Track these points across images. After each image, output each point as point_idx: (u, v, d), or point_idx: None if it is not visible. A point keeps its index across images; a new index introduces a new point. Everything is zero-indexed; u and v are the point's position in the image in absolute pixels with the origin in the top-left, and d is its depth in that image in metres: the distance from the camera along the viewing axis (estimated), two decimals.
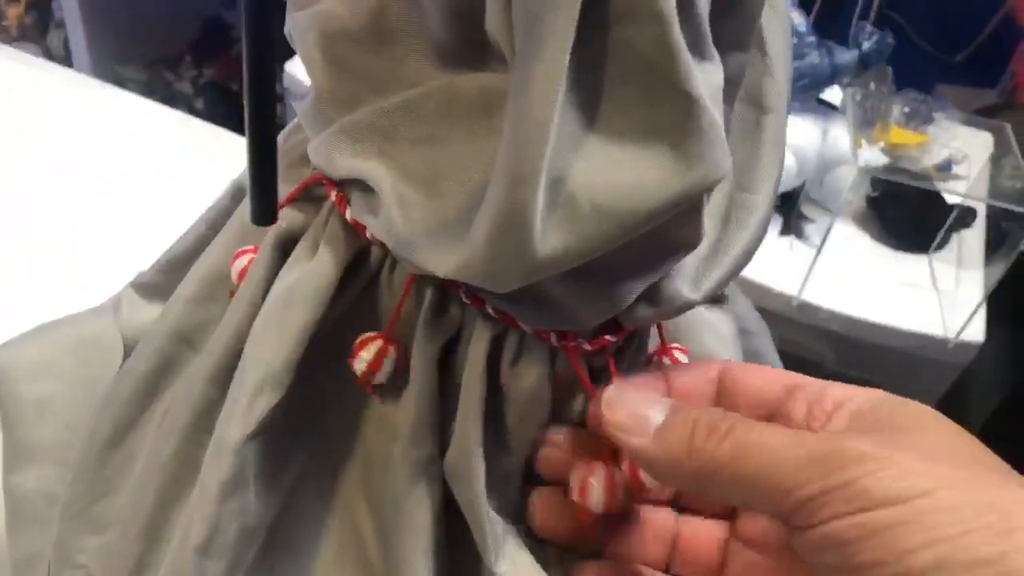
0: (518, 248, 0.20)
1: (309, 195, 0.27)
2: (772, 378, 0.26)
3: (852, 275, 0.88)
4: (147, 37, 1.56)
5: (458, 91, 0.24)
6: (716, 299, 0.39)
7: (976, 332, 0.82)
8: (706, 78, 0.22)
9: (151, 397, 0.30)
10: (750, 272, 0.83)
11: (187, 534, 0.24)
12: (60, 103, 0.67)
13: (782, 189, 0.89)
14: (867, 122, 0.97)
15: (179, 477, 0.27)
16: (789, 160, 0.88)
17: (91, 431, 0.31)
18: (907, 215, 0.92)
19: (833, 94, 0.98)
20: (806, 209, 0.93)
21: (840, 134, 0.92)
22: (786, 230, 0.91)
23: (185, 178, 0.62)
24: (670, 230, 0.23)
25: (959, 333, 0.81)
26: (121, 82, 1.54)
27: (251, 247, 0.29)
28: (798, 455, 0.21)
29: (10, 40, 1.62)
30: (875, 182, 0.95)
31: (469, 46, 0.24)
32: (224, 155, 0.66)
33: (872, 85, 1.01)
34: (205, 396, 0.27)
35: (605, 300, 0.24)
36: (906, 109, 1.04)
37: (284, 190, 0.29)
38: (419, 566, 0.24)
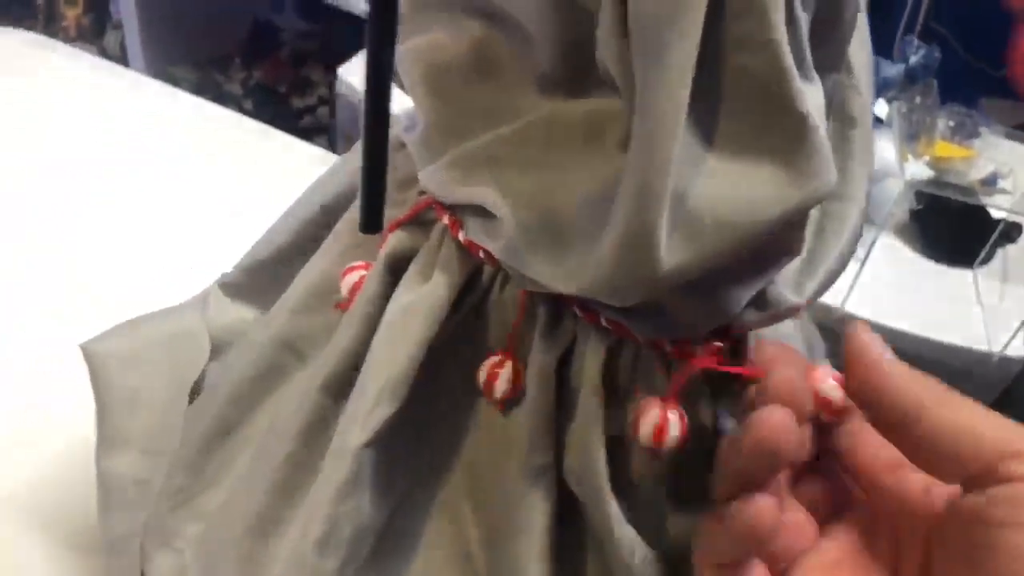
0: (643, 264, 0.22)
1: (418, 219, 0.29)
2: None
3: (896, 288, 0.88)
4: (199, 38, 1.58)
5: (565, 118, 0.25)
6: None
7: (1020, 347, 0.81)
8: (812, 98, 0.23)
9: (255, 400, 0.31)
10: None
11: (306, 530, 0.25)
12: (121, 103, 0.69)
13: None
14: (912, 136, 0.97)
15: (291, 479, 0.28)
16: None
17: (191, 427, 0.32)
18: (952, 229, 0.92)
19: (878, 107, 0.98)
20: None
21: (885, 147, 0.92)
22: None
23: (239, 178, 0.64)
24: (776, 240, 0.24)
25: (1004, 348, 0.81)
26: (174, 82, 1.57)
27: (361, 263, 0.30)
28: (996, 423, 0.22)
29: (68, 40, 1.65)
30: (920, 195, 0.95)
31: (575, 74, 0.25)
32: (276, 156, 0.67)
33: (917, 99, 1.01)
34: (319, 404, 0.28)
35: (717, 308, 0.25)
36: (951, 123, 1.04)
37: (389, 213, 0.30)
38: (532, 570, 0.25)
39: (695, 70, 0.21)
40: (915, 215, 0.96)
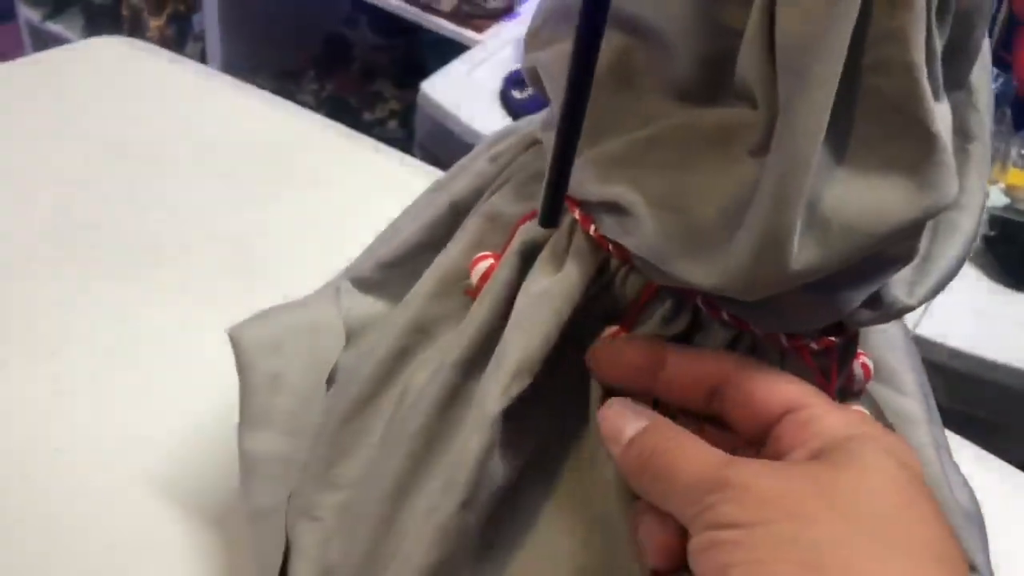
0: (776, 263, 0.24)
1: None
2: (777, 393, 0.27)
3: (968, 312, 0.88)
4: (275, 51, 1.64)
5: (699, 125, 0.28)
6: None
7: None
8: (942, 117, 0.25)
9: (389, 377, 0.34)
10: None
11: (449, 491, 0.28)
12: (224, 110, 0.73)
13: None
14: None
15: (424, 447, 0.31)
16: None
17: (331, 404, 0.35)
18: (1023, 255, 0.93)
19: None
20: None
21: None
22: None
23: (332, 182, 0.67)
24: (895, 247, 0.26)
25: None
26: None
27: (490, 253, 0.32)
28: (697, 473, 0.24)
29: None
30: (993, 221, 0.96)
31: (710, 84, 0.27)
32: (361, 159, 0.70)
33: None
34: (450, 380, 0.31)
35: (833, 307, 0.27)
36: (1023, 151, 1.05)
37: (522, 208, 0.33)
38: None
39: (844, 85, 0.23)
40: (988, 241, 0.96)
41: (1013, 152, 1.03)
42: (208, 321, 0.41)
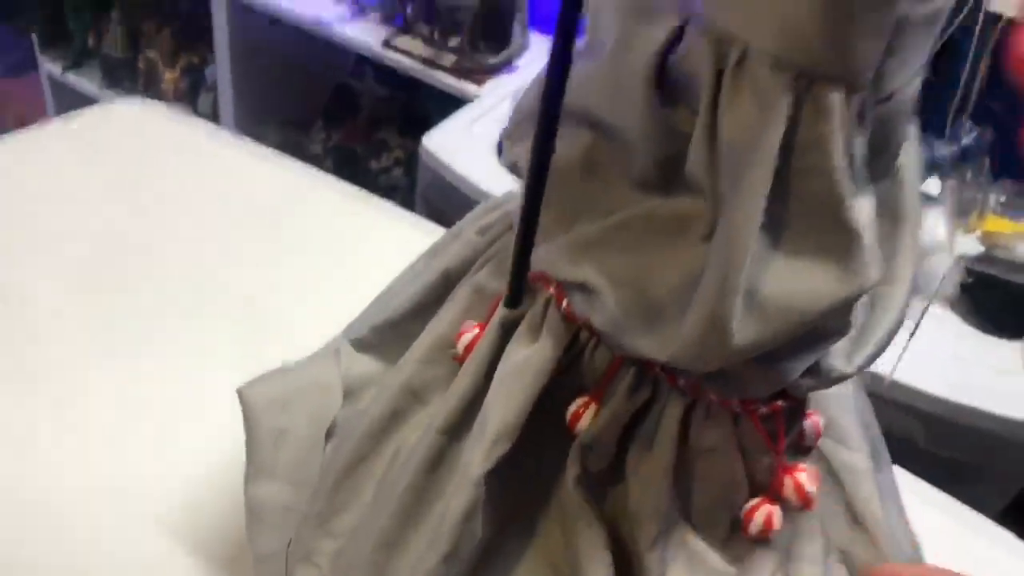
0: (720, 341, 0.27)
1: (528, 289, 0.34)
2: None
3: (945, 358, 0.91)
4: (284, 102, 1.69)
5: (657, 214, 0.31)
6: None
7: None
8: (864, 210, 0.28)
9: (383, 436, 0.37)
10: None
11: (433, 546, 0.31)
12: (233, 170, 0.76)
13: None
14: (964, 212, 1.01)
15: (413, 504, 0.33)
16: None
17: (329, 459, 0.38)
18: (1001, 302, 0.95)
19: (930, 184, 1.02)
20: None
21: (936, 222, 0.96)
22: None
23: (351, 241, 0.70)
24: (828, 323, 0.29)
25: None
26: (258, 141, 1.67)
27: (475, 324, 0.35)
28: None
29: (165, 100, 1.77)
30: (970, 269, 0.98)
31: (666, 178, 0.30)
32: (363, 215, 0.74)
33: (969, 175, 1.05)
34: (437, 443, 0.33)
35: (777, 376, 0.30)
36: (1003, 198, 1.07)
37: (502, 282, 0.36)
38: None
39: (776, 187, 0.26)
40: (965, 288, 0.99)
41: (992, 200, 1.06)
42: (220, 377, 0.44)
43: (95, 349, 0.56)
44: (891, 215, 0.34)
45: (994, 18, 0.95)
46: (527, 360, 0.32)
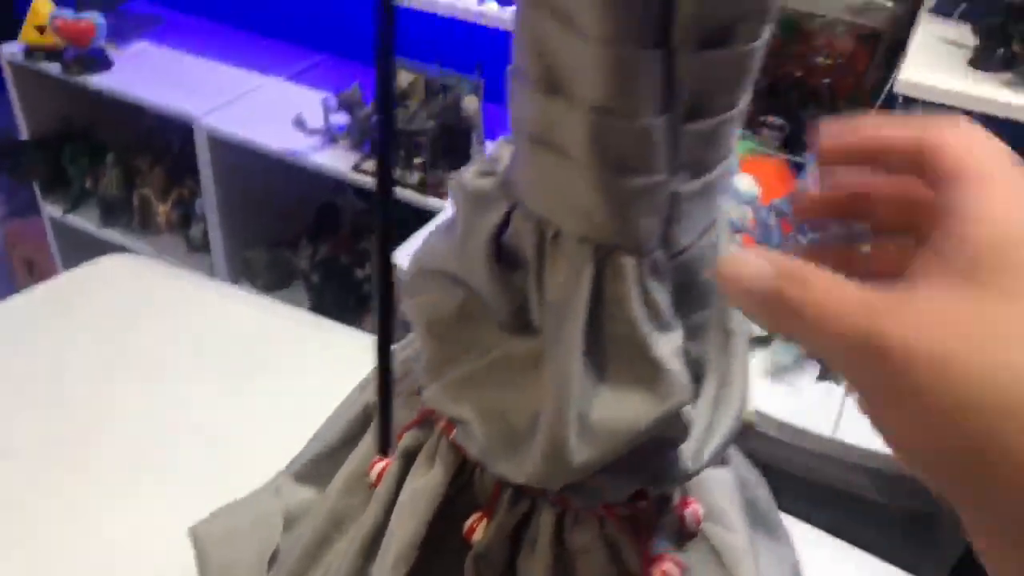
0: (561, 463, 0.32)
1: (425, 421, 0.40)
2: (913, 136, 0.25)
3: None
4: (271, 225, 1.77)
5: (515, 354, 0.36)
6: (721, 461, 0.49)
7: None
8: (668, 343, 0.34)
9: (313, 562, 0.42)
10: (791, 416, 0.92)
11: None
12: (214, 315, 0.83)
13: None
14: None
15: None
16: None
17: None
18: None
19: None
20: None
21: None
22: (823, 375, 1.00)
23: (307, 371, 0.76)
24: (664, 435, 0.35)
25: None
26: (248, 264, 1.75)
27: (385, 457, 0.41)
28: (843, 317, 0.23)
29: (159, 232, 1.86)
30: None
31: (520, 325, 0.36)
32: (338, 349, 0.80)
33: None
34: (355, 564, 0.39)
35: (628, 483, 0.35)
36: None
37: (407, 416, 0.42)
38: None
39: (588, 333, 0.32)
40: None
41: None
42: (186, 514, 0.49)
43: (71, 503, 0.62)
44: (723, 329, 0.40)
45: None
46: (424, 487, 0.38)
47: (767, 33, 0.30)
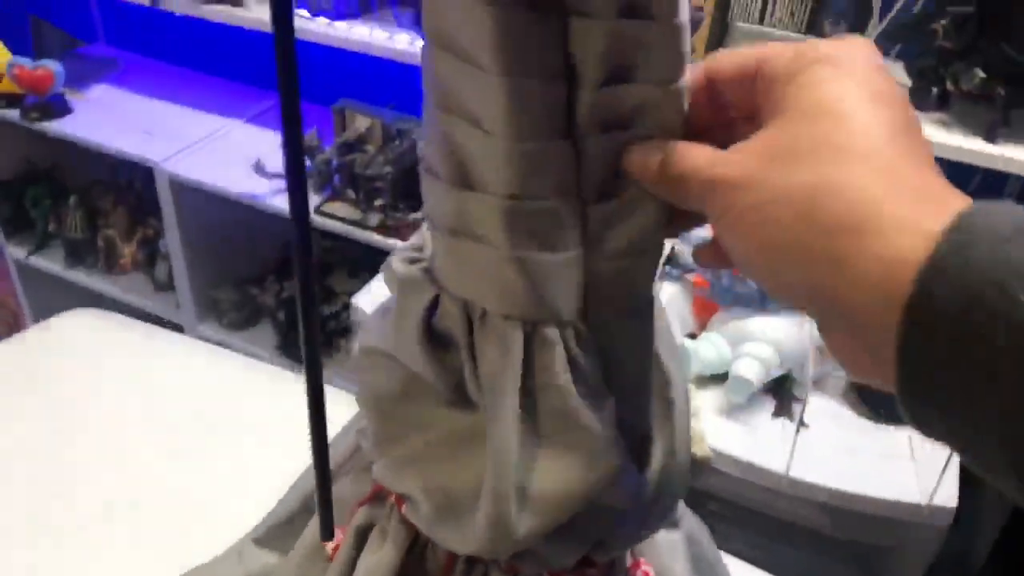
0: (505, 533, 0.34)
1: (376, 497, 0.41)
2: (746, 60, 0.31)
3: (837, 449, 0.98)
4: (236, 263, 1.77)
5: (456, 428, 0.38)
6: (672, 522, 0.51)
7: (949, 497, 0.90)
8: (599, 411, 0.35)
9: None
10: (746, 453, 0.94)
11: None
12: (175, 366, 0.83)
13: (769, 377, 1.00)
14: None
15: None
16: (770, 353, 1.00)
17: None
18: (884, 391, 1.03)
19: None
20: (796, 390, 1.04)
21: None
22: (778, 412, 1.02)
23: (282, 425, 0.77)
24: (605, 502, 0.36)
25: (931, 498, 0.90)
26: (215, 303, 1.75)
27: (341, 528, 0.42)
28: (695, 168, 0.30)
29: (124, 272, 1.85)
30: None
31: (461, 399, 0.38)
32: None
33: None
34: None
35: (575, 549, 0.37)
36: None
37: (361, 490, 0.43)
38: None
39: (523, 404, 0.34)
40: (852, 381, 1.07)
41: None
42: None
43: (40, 560, 0.62)
44: (663, 399, 0.42)
45: None
46: (377, 563, 0.39)
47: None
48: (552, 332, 0.34)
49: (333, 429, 0.50)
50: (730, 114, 0.33)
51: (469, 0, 0.29)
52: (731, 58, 0.31)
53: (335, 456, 0.47)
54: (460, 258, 0.34)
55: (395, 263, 0.37)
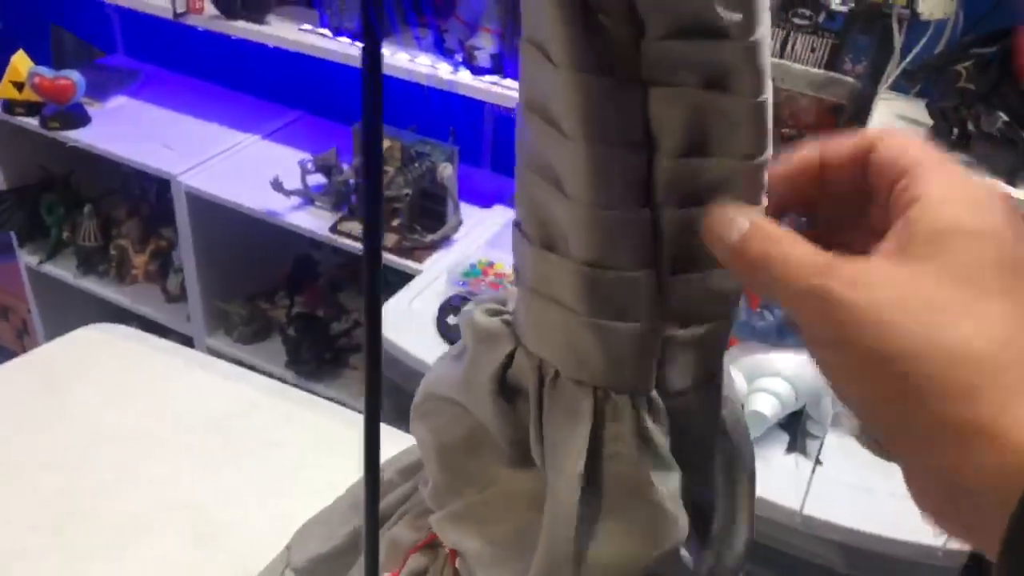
0: None
1: (431, 545, 0.40)
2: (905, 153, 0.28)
3: (853, 488, 0.96)
4: (247, 276, 1.76)
5: (517, 489, 0.36)
6: None
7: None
8: (666, 485, 0.34)
9: None
10: (760, 489, 0.93)
11: None
12: (191, 383, 0.82)
13: (784, 413, 0.99)
14: None
15: None
16: (786, 388, 0.99)
17: None
18: None
19: None
20: (810, 427, 1.03)
21: None
22: (792, 447, 1.01)
23: (295, 444, 0.75)
24: (661, 572, 0.34)
25: (946, 541, 0.88)
26: (225, 316, 1.73)
27: (389, 574, 0.41)
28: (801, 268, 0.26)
29: (135, 282, 1.84)
30: None
31: (523, 457, 0.36)
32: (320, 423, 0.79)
33: None
34: None
35: None
36: None
37: (416, 536, 0.41)
38: None
39: (588, 471, 0.32)
40: None
41: None
42: None
43: (56, 565, 0.60)
44: (727, 475, 0.40)
45: None
46: None
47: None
48: (624, 401, 0.33)
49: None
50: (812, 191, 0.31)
51: (555, 66, 0.28)
52: (836, 144, 0.30)
53: (385, 493, 0.45)
54: (538, 317, 0.33)
55: (476, 314, 0.36)
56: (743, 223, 0.28)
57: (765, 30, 0.28)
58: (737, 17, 0.27)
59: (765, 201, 0.31)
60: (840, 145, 0.30)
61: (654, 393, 0.34)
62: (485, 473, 0.37)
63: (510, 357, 0.35)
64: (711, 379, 0.35)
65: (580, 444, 0.33)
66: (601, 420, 0.33)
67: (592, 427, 0.33)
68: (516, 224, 0.33)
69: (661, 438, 0.34)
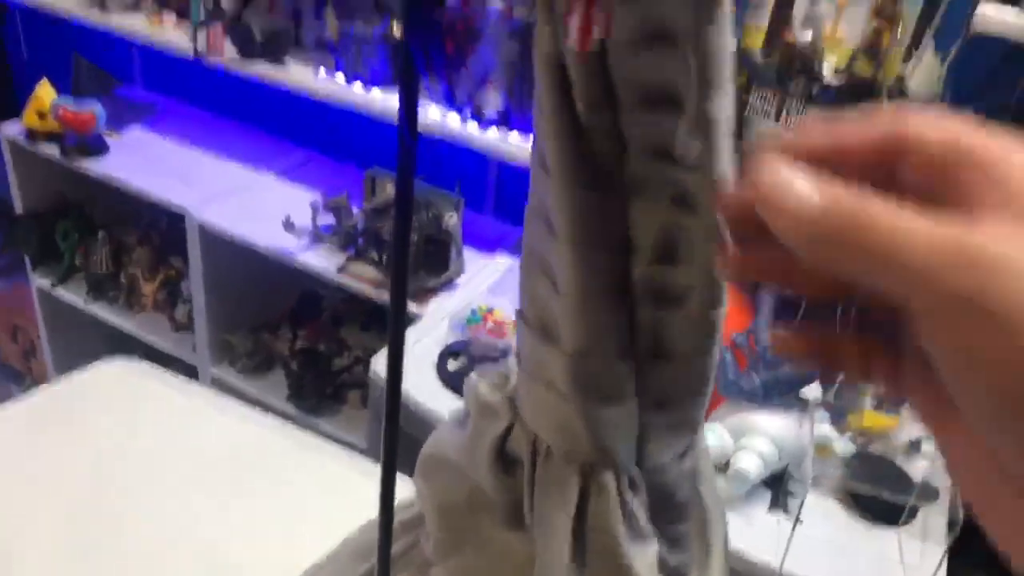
0: None
1: None
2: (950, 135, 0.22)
3: (831, 548, 0.99)
4: (253, 309, 1.79)
5: (512, 550, 0.40)
6: None
7: None
8: (645, 555, 0.37)
9: None
10: (741, 545, 0.96)
11: None
12: (199, 420, 0.85)
13: (767, 472, 1.02)
14: (841, 412, 1.11)
15: None
16: (770, 448, 1.02)
17: None
18: (877, 493, 1.05)
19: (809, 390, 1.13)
20: (792, 486, 1.06)
21: (818, 421, 1.07)
22: (774, 506, 1.04)
23: (297, 486, 0.78)
24: None
25: None
26: (230, 347, 1.77)
27: None
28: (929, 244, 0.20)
29: (143, 310, 1.87)
30: (848, 462, 1.08)
31: (518, 520, 0.40)
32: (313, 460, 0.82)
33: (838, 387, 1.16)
34: None
35: None
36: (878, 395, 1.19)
37: None
38: None
39: (575, 543, 0.36)
40: (846, 480, 1.09)
41: (868, 400, 1.18)
42: None
43: None
44: (702, 541, 0.43)
45: None
46: None
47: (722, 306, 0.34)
48: (608, 478, 0.36)
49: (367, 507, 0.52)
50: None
51: (550, 177, 0.32)
52: (854, 128, 0.24)
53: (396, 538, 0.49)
54: (534, 399, 0.37)
55: (480, 387, 0.40)
56: (804, 187, 0.21)
57: (726, 165, 0.29)
58: (696, 149, 0.29)
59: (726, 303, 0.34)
60: (858, 133, 0.23)
61: (635, 469, 0.37)
62: (483, 533, 0.41)
63: (508, 429, 0.39)
64: (688, 453, 0.39)
65: (565, 519, 0.36)
66: (587, 497, 0.37)
67: (578, 503, 0.37)
68: (519, 312, 0.37)
69: (641, 511, 0.38)
